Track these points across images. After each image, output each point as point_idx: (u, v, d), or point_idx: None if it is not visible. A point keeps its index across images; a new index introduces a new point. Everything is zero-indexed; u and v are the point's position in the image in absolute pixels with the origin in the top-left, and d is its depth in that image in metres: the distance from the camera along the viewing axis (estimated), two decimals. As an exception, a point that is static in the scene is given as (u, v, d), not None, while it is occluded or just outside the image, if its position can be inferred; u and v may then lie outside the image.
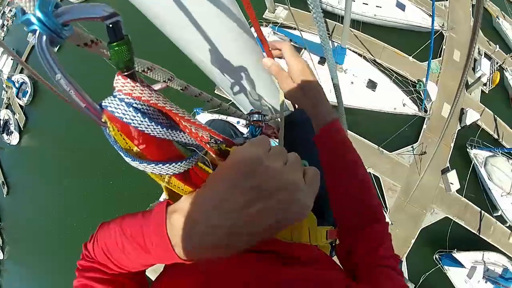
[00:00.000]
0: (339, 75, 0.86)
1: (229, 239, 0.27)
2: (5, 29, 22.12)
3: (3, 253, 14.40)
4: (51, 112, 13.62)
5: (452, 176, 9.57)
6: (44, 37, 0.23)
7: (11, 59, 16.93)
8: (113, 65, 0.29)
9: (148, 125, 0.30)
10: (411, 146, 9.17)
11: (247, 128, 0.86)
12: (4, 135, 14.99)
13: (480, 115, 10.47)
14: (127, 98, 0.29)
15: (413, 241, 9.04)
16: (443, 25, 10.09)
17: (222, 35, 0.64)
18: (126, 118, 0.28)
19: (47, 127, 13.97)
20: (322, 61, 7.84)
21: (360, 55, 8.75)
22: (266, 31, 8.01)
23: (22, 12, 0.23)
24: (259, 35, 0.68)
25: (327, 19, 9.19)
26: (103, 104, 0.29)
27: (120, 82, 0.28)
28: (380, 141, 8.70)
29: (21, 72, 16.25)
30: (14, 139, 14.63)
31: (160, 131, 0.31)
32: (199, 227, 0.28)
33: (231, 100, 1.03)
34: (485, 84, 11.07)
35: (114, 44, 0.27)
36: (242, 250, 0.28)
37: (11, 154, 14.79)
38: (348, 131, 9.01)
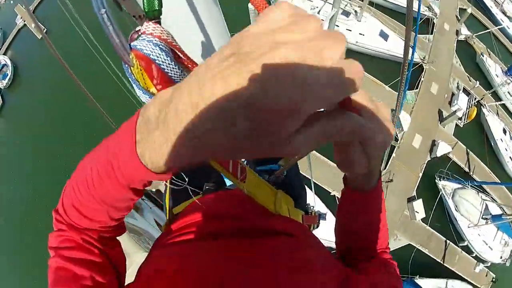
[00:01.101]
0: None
1: (209, 118, 0.19)
2: None
3: None
4: (28, 100, 13.44)
5: (418, 205, 9.78)
6: None
7: None
8: (143, 14, 0.35)
9: (169, 64, 0.35)
10: (378, 172, 9.36)
11: None
12: (-23, 112, 14.71)
13: (452, 148, 10.77)
14: (155, 40, 0.34)
15: (372, 265, 9.22)
16: (424, 57, 10.38)
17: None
18: (152, 55, 0.34)
19: (22, 114, 13.71)
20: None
21: (336, 79, 8.80)
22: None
23: None
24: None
25: None
26: (132, 44, 0.34)
27: (151, 27, 0.35)
28: (346, 165, 8.85)
29: (4, 53, 16.09)
30: None
31: (176, 72, 0.36)
32: (172, 109, 0.21)
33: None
34: (460, 119, 11.37)
35: None
36: (221, 145, 0.20)
37: (-20, 134, 14.47)
38: (315, 151, 9.19)
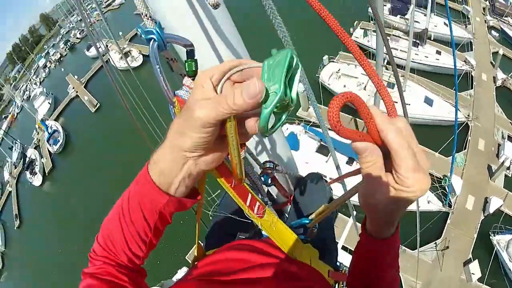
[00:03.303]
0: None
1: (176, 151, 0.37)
2: (47, 70, 22.97)
3: (0, 276, 14.54)
4: (79, 168, 14.03)
5: (474, 266, 9.33)
6: (156, 44, 0.42)
7: (49, 103, 17.59)
8: (185, 72, 0.47)
9: None
10: (434, 242, 9.05)
11: (262, 177, 0.94)
12: (28, 173, 15.46)
13: (504, 200, 10.33)
14: (191, 91, 0.44)
15: (433, 334, 8.75)
16: (468, 115, 10.19)
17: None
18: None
19: (72, 181, 14.29)
20: (350, 161, 8.01)
21: (387, 154, 8.72)
22: (298, 129, 8.22)
23: (145, 28, 0.43)
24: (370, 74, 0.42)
25: (357, 119, 9.53)
26: (176, 92, 0.46)
27: (189, 81, 0.46)
28: (402, 240, 8.65)
29: (55, 119, 16.98)
30: (36, 180, 15.00)
31: None
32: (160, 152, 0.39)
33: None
34: (508, 168, 10.95)
35: (189, 60, 0.46)
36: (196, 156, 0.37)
37: (30, 192, 15.11)
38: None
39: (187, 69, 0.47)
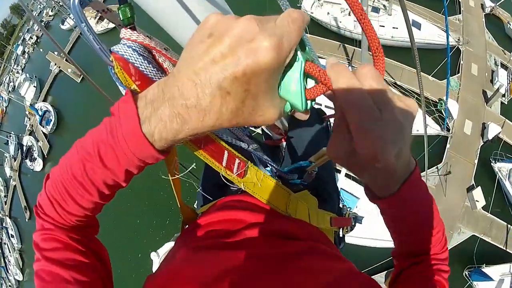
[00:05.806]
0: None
1: (198, 96, 0.24)
2: (26, 56, 22.69)
3: (23, 274, 14.57)
4: (75, 141, 13.81)
5: (477, 193, 9.35)
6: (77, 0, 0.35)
7: (34, 86, 17.23)
8: (121, 21, 0.39)
9: (142, 63, 0.39)
10: (435, 167, 8.93)
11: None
12: (28, 161, 15.29)
13: (502, 128, 10.26)
14: (129, 43, 0.38)
15: (441, 262, 8.82)
16: (458, 39, 9.95)
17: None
18: (126, 55, 0.38)
19: None
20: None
21: (379, 78, 8.59)
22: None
23: None
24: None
25: (345, 45, 9.26)
26: (111, 48, 0.38)
27: (128, 33, 0.39)
28: (404, 164, 8.54)
29: (44, 100, 16.61)
30: (37, 165, 14.81)
31: (152, 70, 0.40)
32: (170, 90, 0.25)
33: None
34: (503, 95, 10.84)
35: (121, 6, 0.39)
36: (217, 111, 0.24)
37: (34, 180, 14.90)
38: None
39: (121, 18, 0.39)
